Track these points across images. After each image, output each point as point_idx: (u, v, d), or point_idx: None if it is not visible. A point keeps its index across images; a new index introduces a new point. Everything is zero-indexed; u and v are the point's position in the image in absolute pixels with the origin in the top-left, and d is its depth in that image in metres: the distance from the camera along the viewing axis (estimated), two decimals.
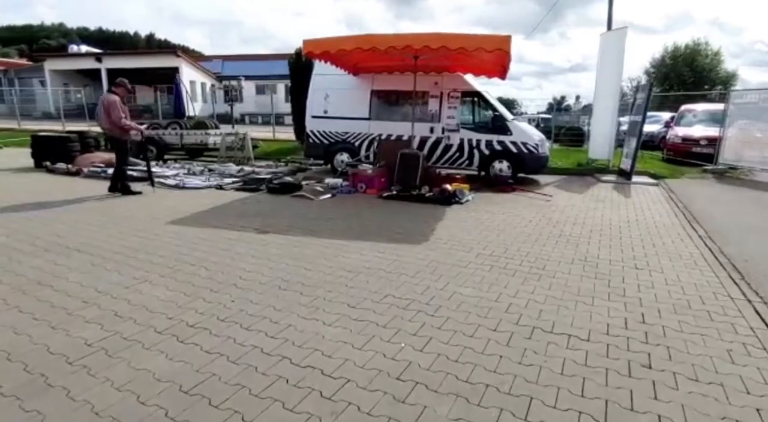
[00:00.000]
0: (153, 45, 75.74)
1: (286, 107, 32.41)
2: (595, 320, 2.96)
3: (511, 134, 8.61)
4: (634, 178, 9.38)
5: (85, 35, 71.69)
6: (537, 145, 8.61)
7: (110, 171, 8.36)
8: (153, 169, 8.85)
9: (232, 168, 9.61)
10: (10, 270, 3.62)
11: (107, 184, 7.02)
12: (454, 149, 8.88)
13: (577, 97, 25.54)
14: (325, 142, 9.71)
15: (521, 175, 8.96)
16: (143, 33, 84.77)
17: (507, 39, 6.23)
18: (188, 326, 2.75)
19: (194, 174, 8.66)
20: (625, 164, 9.94)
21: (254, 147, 12.26)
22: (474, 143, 8.77)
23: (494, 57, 7.15)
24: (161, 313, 2.91)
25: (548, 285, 3.57)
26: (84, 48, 42.66)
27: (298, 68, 13.52)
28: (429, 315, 2.97)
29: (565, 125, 20.02)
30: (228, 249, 4.28)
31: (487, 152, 8.74)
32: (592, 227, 5.46)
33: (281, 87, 34.40)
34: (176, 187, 7.67)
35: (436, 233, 5.05)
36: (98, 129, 8.97)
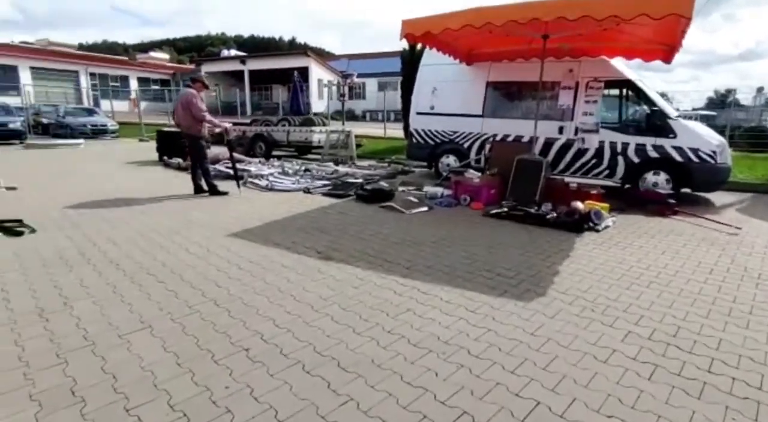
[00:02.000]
0: (294, 48, 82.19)
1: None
2: None
3: (674, 136, 6.41)
4: None
5: (240, 42, 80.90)
6: (714, 152, 6.28)
7: (216, 167, 8.30)
8: (251, 168, 8.63)
9: (330, 168, 8.96)
10: (33, 290, 3.15)
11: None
12: (589, 155, 6.96)
13: (760, 89, 20.16)
14: (430, 142, 8.50)
15: (686, 191, 6.67)
16: (287, 38, 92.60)
17: None
18: None
19: (287, 174, 8.16)
20: None
21: (358, 145, 11.59)
22: (618, 148, 6.75)
23: (661, 29, 5.21)
24: (124, 393, 2.02)
25: None
26: (233, 52, 47.74)
27: (411, 61, 12.50)
28: None
29: (741, 124, 15.82)
30: (271, 284, 3.35)
31: (636, 160, 6.66)
32: None
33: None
34: (265, 188, 7.19)
35: (559, 281, 3.51)
36: (227, 125, 9.09)
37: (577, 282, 3.46)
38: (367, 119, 35.86)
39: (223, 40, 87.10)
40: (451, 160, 8.32)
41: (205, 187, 6.60)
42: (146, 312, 2.84)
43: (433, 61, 8.26)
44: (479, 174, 6.58)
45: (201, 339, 2.51)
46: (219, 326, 2.66)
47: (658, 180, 6.58)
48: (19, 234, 4.44)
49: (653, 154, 6.53)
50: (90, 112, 19.37)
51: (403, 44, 13.10)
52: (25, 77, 31.87)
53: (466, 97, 7.99)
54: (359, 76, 27.89)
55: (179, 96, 6.37)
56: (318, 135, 11.39)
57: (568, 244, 4.48)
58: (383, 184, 7.31)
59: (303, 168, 8.70)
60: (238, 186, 6.80)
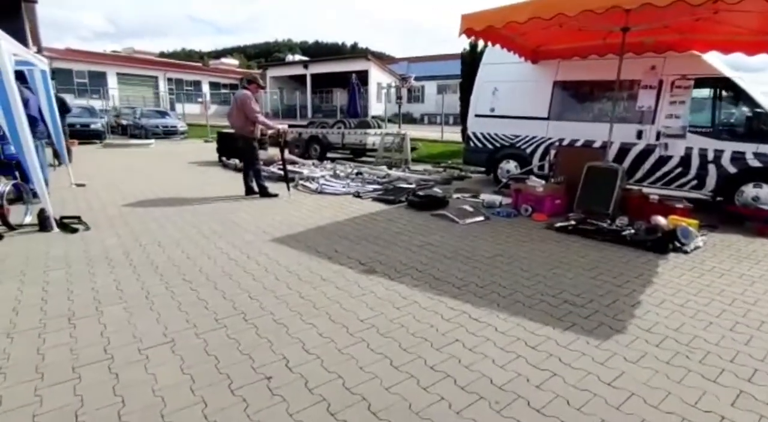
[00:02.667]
0: (356, 52, 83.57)
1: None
2: None
3: None
4: None
5: (305, 47, 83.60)
6: None
7: (270, 169, 8.32)
8: (303, 170, 8.56)
9: (382, 171, 8.69)
10: (72, 290, 3.10)
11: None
12: (673, 163, 6.13)
13: None
14: (489, 146, 7.96)
15: None
16: (349, 42, 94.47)
17: None
18: None
19: (338, 177, 7.98)
20: None
21: (413, 149, 11.24)
22: (710, 155, 5.87)
23: None
24: None
25: None
26: (297, 57, 49.30)
27: (471, 61, 11.98)
28: None
29: None
30: (306, 298, 3.08)
31: (732, 170, 5.75)
32: None
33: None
34: (315, 191, 7.03)
35: (641, 314, 2.93)
36: (282, 126, 9.15)
37: (665, 318, 2.87)
38: (425, 122, 35.46)
39: (290, 47, 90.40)
40: (511, 166, 7.73)
41: (256, 189, 6.54)
42: (173, 323, 2.66)
43: (494, 59, 7.74)
44: (543, 182, 5.98)
45: (222, 360, 2.27)
46: (244, 346, 2.41)
47: (760, 193, 5.63)
48: (75, 231, 4.54)
49: (755, 163, 5.59)
50: (162, 114, 20.58)
51: (464, 44, 12.61)
52: (112, 82, 34.96)
53: (530, 98, 7.38)
54: (418, 79, 27.54)
55: (234, 97, 6.37)
56: (372, 137, 11.18)
57: (649, 267, 3.83)
58: (437, 190, 6.90)
59: (355, 171, 8.49)
60: (288, 188, 6.69)
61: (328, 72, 35.83)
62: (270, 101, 34.99)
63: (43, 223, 4.54)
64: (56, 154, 9.42)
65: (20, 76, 7.15)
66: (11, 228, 4.50)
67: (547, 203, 5.60)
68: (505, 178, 7.60)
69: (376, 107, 31.45)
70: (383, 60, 43.35)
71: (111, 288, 3.17)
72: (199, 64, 49.49)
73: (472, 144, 8.22)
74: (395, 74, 37.00)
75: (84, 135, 15.29)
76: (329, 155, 11.93)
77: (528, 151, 7.44)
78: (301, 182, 7.54)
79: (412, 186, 7.00)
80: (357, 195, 6.69)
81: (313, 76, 36.84)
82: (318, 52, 70.08)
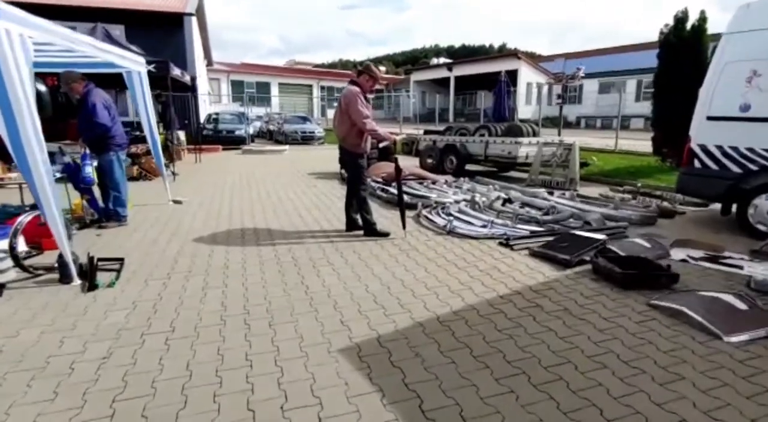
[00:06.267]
0: (504, 52, 78.89)
1: (634, 108, 25.84)
2: None
3: None
4: None
5: (451, 51, 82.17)
6: None
7: (391, 190, 6.51)
8: (431, 193, 6.50)
9: (541, 199, 6.13)
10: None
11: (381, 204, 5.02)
12: None
13: None
14: (735, 168, 4.83)
15: None
16: (496, 44, 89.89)
17: None
18: None
19: (477, 206, 5.67)
20: None
21: (583, 164, 8.32)
22: None
23: None
24: None
25: None
26: (442, 60, 48.00)
27: (678, 44, 8.57)
28: None
29: None
30: None
31: None
32: None
33: (631, 83, 28.24)
34: (443, 229, 4.90)
35: None
36: (400, 137, 7.40)
37: None
38: (582, 126, 30.58)
39: (436, 52, 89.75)
40: None
41: (360, 223, 4.71)
42: None
43: (754, 22, 4.63)
44: None
45: None
46: None
47: None
48: (95, 287, 3.20)
49: None
50: (304, 119, 20.75)
51: (645, 31, 9.17)
52: (274, 90, 38.33)
53: None
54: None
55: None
56: (525, 148, 8.55)
57: None
58: (642, 241, 4.16)
59: (502, 197, 6.08)
60: (404, 225, 4.67)
61: (472, 73, 33.60)
62: (410, 106, 34.15)
63: (61, 273, 3.32)
64: (170, 160, 9.18)
65: (116, 80, 6.56)
66: (28, 271, 3.38)
67: None
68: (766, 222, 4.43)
69: (524, 110, 28.03)
70: (534, 58, 39.13)
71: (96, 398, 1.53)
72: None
73: (698, 163, 5.14)
74: (548, 73, 32.76)
75: (229, 141, 15.77)
76: (468, 167, 9.68)
77: None
78: (424, 212, 5.48)
79: (598, 235, 4.36)
80: (506, 242, 4.35)
81: (457, 78, 34.95)
82: (464, 55, 67.72)
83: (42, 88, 9.64)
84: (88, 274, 3.30)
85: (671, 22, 8.75)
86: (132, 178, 8.45)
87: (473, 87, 35.54)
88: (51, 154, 5.30)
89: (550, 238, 4.32)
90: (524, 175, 8.99)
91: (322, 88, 42.57)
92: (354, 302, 3.00)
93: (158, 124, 10.55)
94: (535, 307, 2.95)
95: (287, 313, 2.84)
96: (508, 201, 6.04)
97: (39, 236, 3.89)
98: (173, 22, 14.81)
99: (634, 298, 3.08)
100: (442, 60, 49.08)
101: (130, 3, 14.21)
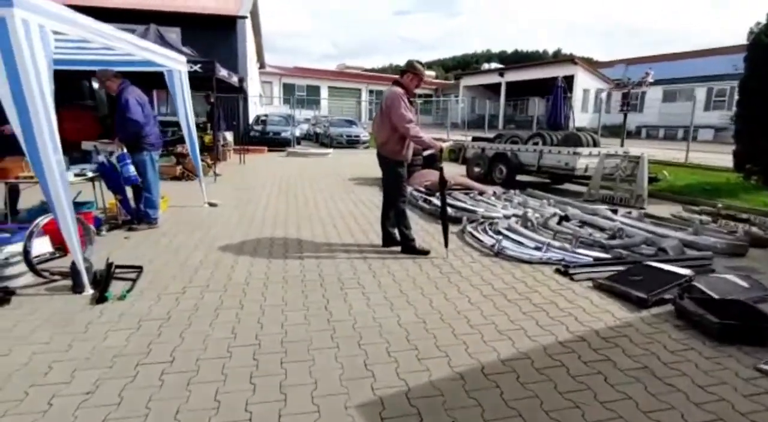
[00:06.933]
0: (559, 57, 75.97)
1: (703, 118, 23.77)
2: None
3: None
4: None
5: (503, 57, 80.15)
6: None
7: (434, 201, 6.01)
8: (478, 207, 5.95)
9: (600, 216, 5.42)
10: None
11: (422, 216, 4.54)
12: None
13: None
14: None
15: None
16: (551, 50, 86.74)
17: None
18: None
19: (529, 224, 5.06)
20: None
21: (652, 179, 7.43)
22: None
23: None
24: None
25: None
26: (493, 65, 46.83)
27: None
28: None
29: None
30: None
31: None
32: None
33: (701, 91, 26.12)
34: (491, 249, 4.35)
35: None
36: (446, 144, 6.89)
37: None
38: (643, 136, 28.57)
39: (488, 57, 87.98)
40: None
41: (397, 237, 4.26)
42: None
43: None
44: None
45: None
46: None
47: None
48: (104, 299, 2.95)
49: None
50: (350, 123, 20.60)
51: (708, 45, 8.17)
52: (324, 94, 38.87)
53: None
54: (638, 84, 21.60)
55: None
56: (585, 159, 7.78)
57: None
58: (736, 279, 3.43)
59: (557, 215, 5.42)
60: (446, 242, 4.17)
61: (525, 79, 32.45)
62: (459, 111, 33.42)
63: (73, 281, 3.10)
64: (214, 160, 9.15)
65: (155, 79, 6.40)
66: (43, 277, 3.19)
67: None
68: None
69: (580, 118, 26.55)
70: (592, 64, 37.16)
71: None
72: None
73: None
74: (607, 79, 30.94)
75: (275, 143, 15.83)
76: (518, 178, 8.99)
77: None
78: (469, 229, 4.94)
79: (669, 256, 3.66)
80: (564, 270, 3.75)
81: (509, 84, 33.88)
82: (516, 60, 65.75)
83: (96, 85, 9.95)
84: (102, 284, 3.08)
85: (763, 20, 7.70)
86: (174, 178, 8.49)
87: (525, 93, 34.32)
88: (86, 153, 5.31)
89: (620, 268, 3.68)
90: (580, 188, 8.20)
91: (371, 92, 42.63)
92: (383, 338, 2.55)
93: (206, 125, 10.73)
94: (605, 361, 2.37)
95: (304, 348, 2.43)
96: (565, 218, 5.39)
97: None
98: (227, 25, 15.07)
99: (736, 358, 2.43)
100: (494, 65, 47.87)
101: (185, 6, 14.58)
